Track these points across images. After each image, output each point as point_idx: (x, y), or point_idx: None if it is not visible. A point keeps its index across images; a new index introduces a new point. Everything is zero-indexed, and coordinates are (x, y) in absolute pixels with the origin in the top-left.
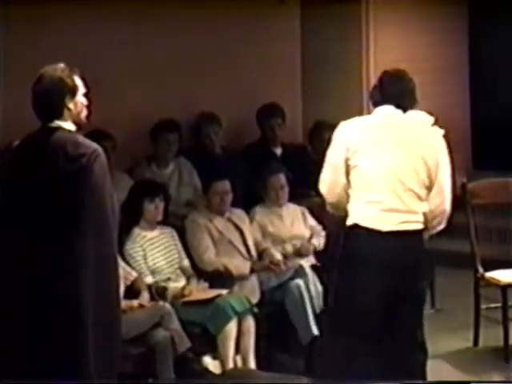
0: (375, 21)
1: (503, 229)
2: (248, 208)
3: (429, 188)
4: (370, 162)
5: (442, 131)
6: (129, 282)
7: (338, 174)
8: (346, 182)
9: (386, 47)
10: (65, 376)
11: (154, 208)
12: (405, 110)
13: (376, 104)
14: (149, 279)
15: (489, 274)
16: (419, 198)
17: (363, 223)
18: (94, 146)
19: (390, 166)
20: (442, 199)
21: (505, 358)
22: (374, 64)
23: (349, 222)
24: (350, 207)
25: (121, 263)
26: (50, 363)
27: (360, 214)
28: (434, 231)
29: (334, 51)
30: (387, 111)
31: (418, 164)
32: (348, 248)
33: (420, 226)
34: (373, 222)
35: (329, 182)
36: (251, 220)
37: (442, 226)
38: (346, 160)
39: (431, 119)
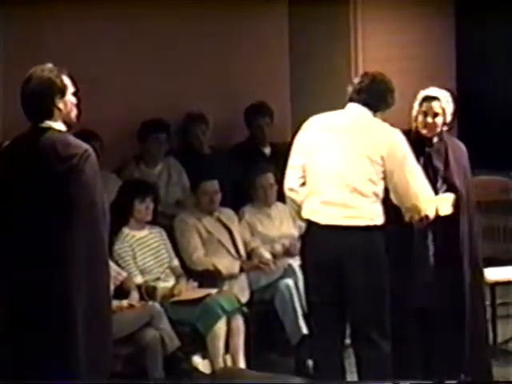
0: (363, 19)
1: (492, 227)
2: (237, 207)
3: (376, 184)
4: (319, 158)
5: (398, 131)
6: (118, 282)
7: (290, 169)
8: (298, 177)
9: (374, 46)
10: (54, 376)
11: (144, 208)
12: (371, 108)
13: (349, 100)
14: (138, 279)
15: None
16: (360, 193)
17: (306, 215)
18: (85, 146)
19: (334, 162)
20: (408, 197)
21: (494, 356)
22: (362, 63)
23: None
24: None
25: (110, 263)
26: (39, 363)
27: (304, 207)
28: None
29: (322, 50)
30: (348, 109)
31: (361, 161)
32: (302, 240)
33: (367, 222)
34: (311, 214)
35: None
36: (240, 219)
37: (423, 213)
38: (302, 157)
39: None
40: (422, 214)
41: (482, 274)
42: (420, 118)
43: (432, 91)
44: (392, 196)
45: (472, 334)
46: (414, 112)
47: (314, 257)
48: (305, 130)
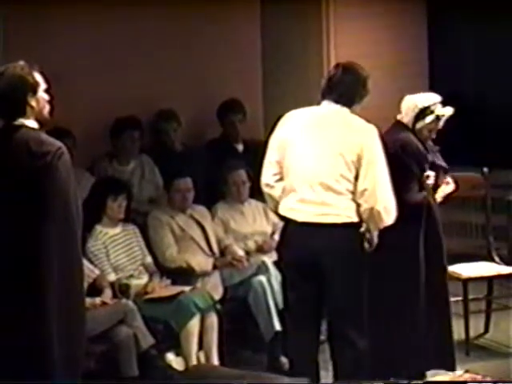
0: (335, 16)
1: (464, 223)
2: (210, 204)
3: (351, 182)
4: (294, 154)
5: (374, 129)
6: (91, 280)
7: (266, 165)
8: (273, 174)
9: (346, 43)
10: (28, 376)
11: (117, 206)
12: (346, 103)
13: (321, 96)
14: (111, 277)
15: (450, 268)
16: (334, 191)
17: (283, 213)
18: (58, 143)
19: (308, 160)
20: (374, 199)
21: (465, 351)
22: (334, 60)
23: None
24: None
25: (83, 261)
26: (13, 363)
27: (281, 204)
28: (375, 227)
29: (295, 47)
30: (323, 106)
31: (335, 159)
32: (279, 237)
33: (344, 220)
34: (289, 212)
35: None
36: (213, 216)
37: (382, 223)
38: (278, 153)
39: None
40: (380, 225)
41: (445, 270)
42: (424, 132)
43: (448, 110)
44: (358, 195)
45: (437, 331)
46: (413, 120)
47: (292, 254)
48: (281, 126)
